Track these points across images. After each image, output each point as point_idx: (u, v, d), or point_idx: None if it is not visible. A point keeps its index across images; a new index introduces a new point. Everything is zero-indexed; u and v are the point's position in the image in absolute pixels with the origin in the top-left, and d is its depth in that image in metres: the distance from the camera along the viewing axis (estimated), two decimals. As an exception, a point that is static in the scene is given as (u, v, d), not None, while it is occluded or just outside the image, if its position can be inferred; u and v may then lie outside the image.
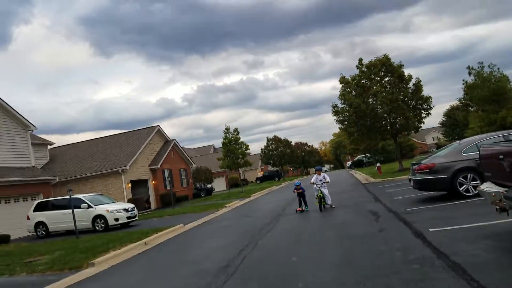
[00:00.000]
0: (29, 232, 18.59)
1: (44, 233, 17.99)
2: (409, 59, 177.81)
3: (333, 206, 13.43)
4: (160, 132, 35.33)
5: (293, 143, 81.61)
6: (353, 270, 5.65)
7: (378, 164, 30.97)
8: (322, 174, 13.69)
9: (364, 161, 60.71)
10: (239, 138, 38.75)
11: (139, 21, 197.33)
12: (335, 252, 7.00)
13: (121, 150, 30.92)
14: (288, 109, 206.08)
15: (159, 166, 32.25)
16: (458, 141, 11.51)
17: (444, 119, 59.45)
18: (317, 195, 13.21)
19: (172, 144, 36.10)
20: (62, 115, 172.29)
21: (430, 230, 7.20)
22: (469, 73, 22.03)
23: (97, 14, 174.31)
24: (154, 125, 35.09)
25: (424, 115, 26.66)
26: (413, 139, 75.88)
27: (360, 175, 32.47)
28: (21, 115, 21.65)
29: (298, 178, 48.84)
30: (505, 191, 5.25)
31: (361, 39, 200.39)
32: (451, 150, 10.87)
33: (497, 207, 5.40)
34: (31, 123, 22.23)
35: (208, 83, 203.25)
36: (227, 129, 38.47)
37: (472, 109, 30.60)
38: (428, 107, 26.32)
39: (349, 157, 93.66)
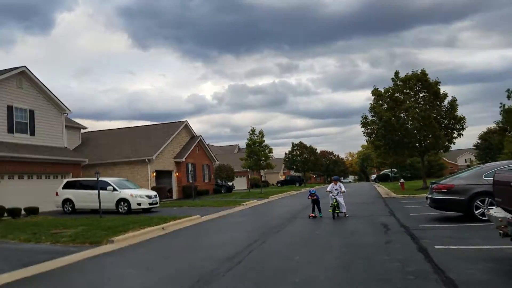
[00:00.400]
0: (57, 207, 19.67)
1: (70, 209, 19.04)
2: (450, 75, 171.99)
3: (347, 215, 13.58)
4: (187, 128, 36.24)
5: (318, 151, 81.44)
6: (348, 274, 5.90)
7: (402, 180, 30.57)
8: (338, 183, 13.88)
9: (390, 175, 59.68)
10: (264, 140, 39.20)
11: (176, 16, 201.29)
12: (336, 256, 7.25)
13: (149, 140, 31.98)
14: (318, 116, 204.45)
15: (183, 159, 33.13)
16: (481, 165, 11.43)
17: (479, 141, 57.62)
18: (331, 204, 13.41)
19: (198, 140, 36.94)
20: (98, 101, 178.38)
21: (436, 247, 7.32)
22: (508, 97, 21.45)
23: (136, 6, 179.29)
24: (182, 120, 36.03)
25: (456, 135, 26.06)
26: (444, 158, 73.97)
27: (382, 189, 32.15)
28: (58, 99, 22.88)
29: (319, 186, 48.71)
30: (511, 217, 5.36)
31: (402, 50, 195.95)
32: (473, 173, 10.83)
33: (501, 231, 5.51)
34: (66, 107, 23.45)
35: (240, 83, 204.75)
36: (253, 130, 39.00)
37: (510, 134, 29.67)
38: (461, 127, 25.69)
39: (375, 170, 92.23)
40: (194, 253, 8.52)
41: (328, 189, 14.00)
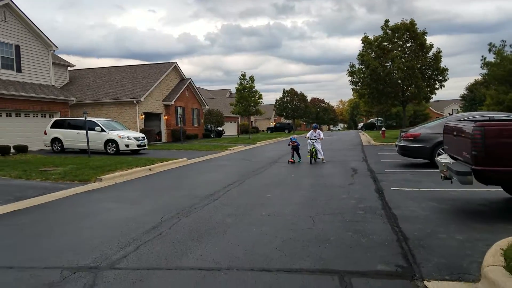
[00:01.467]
0: (46, 146, 20.13)
1: (59, 148, 19.55)
2: (446, 25, 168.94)
3: (324, 160, 14.41)
4: (176, 69, 35.96)
5: (310, 98, 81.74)
6: (309, 208, 6.70)
7: (383, 129, 31.49)
8: (317, 131, 14.58)
9: (376, 124, 60.85)
10: (254, 86, 39.24)
11: None
12: (303, 195, 8.06)
13: (137, 81, 31.87)
14: (312, 62, 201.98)
15: (172, 102, 33.31)
16: (449, 115, 12.09)
17: (465, 92, 58.46)
18: (309, 150, 14.16)
19: (187, 83, 36.85)
20: (84, 37, 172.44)
21: (392, 188, 8.17)
22: (489, 50, 21.72)
23: None
24: (171, 61, 35.64)
25: (438, 86, 26.64)
26: (431, 108, 75.06)
27: (365, 137, 33.15)
28: (45, 34, 22.42)
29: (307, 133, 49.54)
30: (452, 163, 6.06)
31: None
32: (439, 123, 11.48)
33: (442, 175, 6.24)
34: (53, 43, 23.06)
35: (234, 24, 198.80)
36: (243, 75, 38.87)
37: (493, 87, 30.25)
38: (443, 79, 26.24)
39: (363, 119, 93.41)
40: (177, 191, 9.26)
41: (307, 135, 14.70)
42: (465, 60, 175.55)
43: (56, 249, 4.88)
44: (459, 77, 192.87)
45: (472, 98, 54.46)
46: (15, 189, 9.22)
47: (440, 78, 26.38)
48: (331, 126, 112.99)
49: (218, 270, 4.02)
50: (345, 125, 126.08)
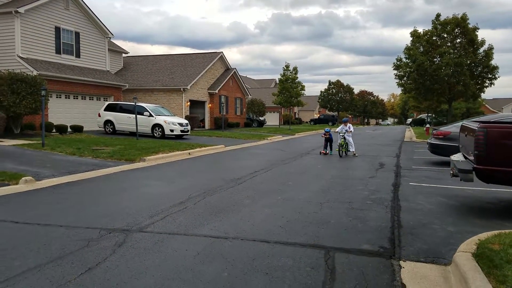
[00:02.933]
0: (99, 127, 21.75)
1: (111, 130, 21.11)
2: (510, 17, 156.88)
3: (355, 154, 14.67)
4: (222, 59, 37.01)
5: (358, 90, 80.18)
6: (322, 196, 7.22)
7: (427, 125, 30.63)
8: (348, 124, 14.83)
9: (426, 120, 58.65)
10: (297, 77, 39.51)
11: None
12: (321, 184, 8.56)
13: (185, 69, 33.29)
14: (364, 53, 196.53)
15: (216, 91, 34.47)
16: (486, 116, 11.89)
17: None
18: (340, 143, 14.48)
19: (232, 73, 37.82)
20: (140, 24, 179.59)
21: (410, 183, 8.45)
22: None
23: None
24: (218, 51, 36.70)
25: (487, 84, 25.49)
26: (487, 106, 70.90)
27: (410, 133, 32.46)
28: (102, 23, 24.16)
29: (355, 126, 48.92)
30: (459, 161, 6.31)
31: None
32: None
33: (451, 172, 6.49)
34: (109, 31, 24.80)
35: (284, 12, 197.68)
36: (287, 66, 39.24)
37: None
38: (493, 77, 25.05)
39: (414, 114, 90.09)
40: (208, 174, 10.11)
41: (337, 130, 15.02)
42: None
43: (98, 214, 5.83)
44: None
45: (533, 97, 50.75)
46: (69, 164, 10.51)
47: (490, 76, 25.21)
48: (380, 120, 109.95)
49: (225, 239, 4.72)
50: (396, 120, 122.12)
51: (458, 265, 3.60)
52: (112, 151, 13.06)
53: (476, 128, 5.43)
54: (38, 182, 8.12)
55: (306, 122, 69.90)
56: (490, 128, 5.33)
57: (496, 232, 4.41)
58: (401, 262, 4.01)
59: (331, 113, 73.33)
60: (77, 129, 19.53)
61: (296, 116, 68.04)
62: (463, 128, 6.65)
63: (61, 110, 20.86)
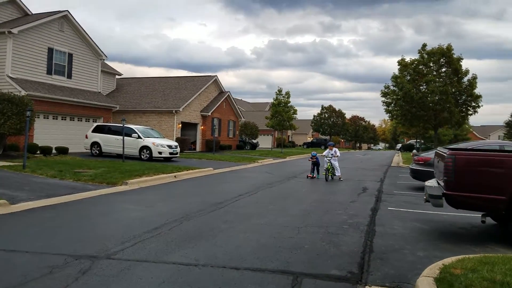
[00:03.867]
0: (86, 149, 21.58)
1: (97, 152, 20.94)
2: (496, 49, 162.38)
3: (341, 178, 14.73)
4: (216, 82, 37.44)
5: (351, 115, 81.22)
6: (301, 220, 7.22)
7: (414, 151, 30.96)
8: (334, 149, 14.97)
9: (415, 146, 59.28)
10: (289, 101, 39.97)
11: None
12: (302, 208, 8.56)
13: (178, 92, 33.56)
14: (356, 80, 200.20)
15: (209, 113, 34.69)
16: (465, 143, 12.09)
17: (510, 118, 55.71)
18: (326, 167, 14.56)
19: (226, 96, 38.18)
20: (138, 46, 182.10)
21: (388, 208, 8.50)
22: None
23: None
24: (212, 74, 37.20)
25: (471, 112, 26.16)
26: (475, 132, 71.95)
27: (398, 158, 32.72)
28: (96, 45, 24.45)
29: (343, 151, 49.29)
30: (431, 186, 6.38)
31: (449, 19, 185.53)
32: (452, 148, 11.56)
33: (424, 197, 6.57)
34: (103, 53, 25.06)
35: (280, 39, 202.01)
36: (279, 90, 39.75)
37: None
38: (477, 105, 25.77)
39: (404, 140, 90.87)
40: (191, 198, 10.04)
41: (324, 153, 15.15)
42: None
43: (68, 240, 5.75)
44: (509, 103, 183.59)
45: (517, 124, 51.83)
46: (49, 187, 10.39)
47: (473, 104, 25.91)
48: (372, 145, 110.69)
49: (195, 266, 4.68)
50: (387, 145, 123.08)
51: (420, 291, 3.61)
52: (94, 174, 12.91)
53: (446, 155, 5.54)
54: (12, 205, 7.98)
55: (300, 146, 70.17)
56: (458, 155, 5.44)
57: (460, 257, 4.44)
58: (367, 287, 4.01)
59: (323, 137, 73.85)
60: (62, 150, 19.31)
61: (290, 139, 68.38)
62: (436, 154, 6.76)
63: (47, 131, 20.74)
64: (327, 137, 72.44)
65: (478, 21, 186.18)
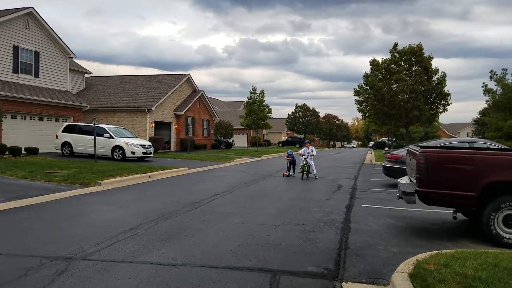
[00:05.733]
0: (56, 149, 21.02)
1: (69, 152, 20.42)
2: (461, 48, 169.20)
3: (316, 176, 14.93)
4: (189, 81, 37.07)
5: (324, 114, 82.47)
6: (278, 218, 7.28)
7: (386, 149, 31.79)
8: (310, 147, 15.14)
9: (387, 143, 60.86)
10: (264, 100, 40.17)
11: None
12: (279, 206, 8.64)
13: (150, 90, 33.02)
14: (328, 79, 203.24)
15: (183, 112, 34.32)
16: (435, 140, 12.54)
17: (478, 116, 58.11)
18: (302, 165, 14.72)
19: (199, 95, 37.88)
20: (106, 44, 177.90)
21: (363, 205, 8.70)
22: (490, 78, 22.00)
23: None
24: (185, 73, 36.78)
25: (441, 110, 27.07)
26: (444, 130, 74.55)
27: (371, 156, 33.50)
28: (64, 43, 23.65)
29: (318, 149, 49.92)
30: (404, 184, 6.59)
31: (415, 19, 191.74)
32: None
33: (397, 194, 6.77)
34: (71, 51, 24.30)
35: (251, 38, 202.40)
36: (254, 90, 39.90)
37: (489, 114, 30.37)
38: (446, 103, 26.68)
39: (376, 137, 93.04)
40: (166, 198, 9.93)
41: (300, 152, 15.30)
42: (482, 83, 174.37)
43: (42, 242, 5.58)
44: (476, 101, 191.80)
45: (484, 123, 54.07)
46: (19, 188, 10.04)
47: (443, 102, 26.84)
48: (345, 143, 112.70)
49: (173, 265, 4.64)
50: (360, 143, 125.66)
51: (395, 285, 3.73)
52: (66, 174, 12.58)
53: (417, 153, 5.72)
54: (-20, 208, 7.69)
55: (275, 144, 70.55)
56: (430, 153, 5.63)
57: (433, 252, 4.61)
58: (343, 284, 4.10)
59: (298, 135, 74.58)
60: (32, 151, 18.65)
61: (265, 138, 68.67)
62: (408, 152, 6.98)
63: (16, 132, 20.01)
64: (302, 136, 73.27)
65: (443, 20, 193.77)
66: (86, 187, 11.06)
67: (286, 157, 15.90)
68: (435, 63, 30.99)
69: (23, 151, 18.24)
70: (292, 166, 15.54)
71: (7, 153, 17.48)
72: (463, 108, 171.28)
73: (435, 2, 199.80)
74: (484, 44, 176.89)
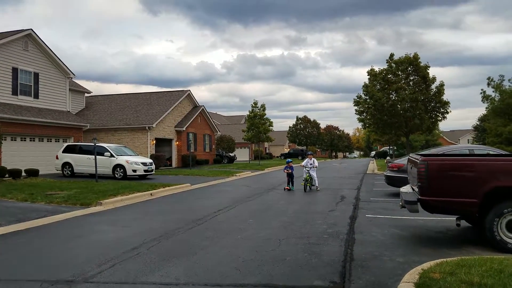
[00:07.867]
0: (57, 170, 20.86)
1: (69, 172, 20.31)
2: (455, 57, 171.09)
3: (318, 188, 14.84)
4: (190, 97, 37.23)
5: (325, 125, 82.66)
6: (282, 232, 7.21)
7: (388, 158, 31.72)
8: (312, 159, 15.09)
9: (389, 152, 60.75)
10: (265, 114, 40.27)
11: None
12: (282, 220, 8.56)
13: (150, 108, 33.13)
14: (327, 91, 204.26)
15: (184, 128, 34.35)
16: (436, 148, 12.49)
17: (477, 123, 58.10)
18: (304, 177, 14.64)
19: (200, 110, 37.98)
20: (105, 64, 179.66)
21: (366, 215, 8.61)
22: (488, 84, 22.12)
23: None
24: (185, 89, 36.97)
25: (440, 118, 27.12)
26: (445, 137, 74.44)
27: (373, 165, 33.36)
28: (63, 63, 23.80)
29: (321, 160, 49.77)
30: (406, 192, 6.54)
31: (408, 30, 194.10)
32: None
33: (400, 203, 6.71)
34: (71, 71, 24.44)
35: (249, 53, 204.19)
36: (255, 103, 40.05)
37: (489, 120, 30.38)
38: (445, 111, 26.78)
39: (377, 147, 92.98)
40: (169, 215, 9.86)
41: (303, 163, 15.24)
42: (477, 91, 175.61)
43: (42, 265, 5.52)
44: (474, 107, 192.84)
45: (484, 129, 54.05)
46: (19, 211, 9.96)
47: (442, 110, 26.93)
48: (347, 153, 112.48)
49: (176, 285, 4.57)
50: (361, 153, 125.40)
51: (401, 297, 3.66)
52: (67, 195, 12.49)
53: (418, 161, 5.69)
54: (-19, 233, 7.63)
55: (277, 157, 70.45)
56: (431, 161, 5.60)
57: (439, 261, 4.55)
58: (350, 298, 4.03)
59: (300, 147, 74.54)
60: (33, 173, 18.60)
61: (267, 151, 68.63)
62: (409, 161, 6.94)
63: (16, 154, 19.98)
64: (304, 148, 73.22)
65: (436, 30, 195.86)
66: (87, 207, 10.98)
67: (285, 170, 15.75)
68: (432, 72, 31.29)
69: (23, 173, 18.20)
70: (290, 179, 15.39)
71: (7, 175, 17.43)
72: (461, 115, 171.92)
73: (427, 13, 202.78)
74: (477, 52, 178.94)
